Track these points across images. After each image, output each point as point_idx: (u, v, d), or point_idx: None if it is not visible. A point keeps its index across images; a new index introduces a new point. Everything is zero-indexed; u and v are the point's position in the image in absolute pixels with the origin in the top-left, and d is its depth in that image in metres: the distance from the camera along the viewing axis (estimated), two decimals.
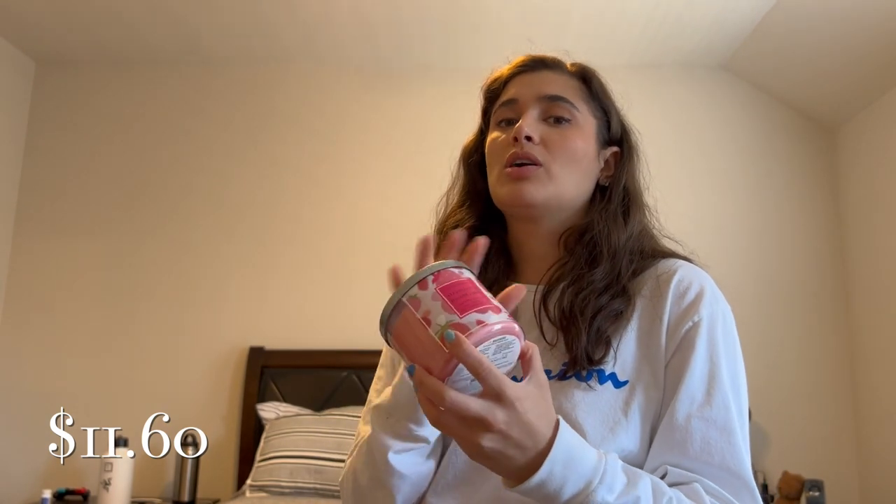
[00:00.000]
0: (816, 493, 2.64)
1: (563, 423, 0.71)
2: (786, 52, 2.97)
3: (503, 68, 1.02)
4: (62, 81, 3.34)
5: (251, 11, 2.89)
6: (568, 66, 1.00)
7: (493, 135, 0.97)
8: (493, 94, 1.01)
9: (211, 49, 3.21)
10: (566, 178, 0.92)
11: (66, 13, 2.92)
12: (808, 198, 3.20)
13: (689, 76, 3.30)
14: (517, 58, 1.01)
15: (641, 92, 3.24)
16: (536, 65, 0.98)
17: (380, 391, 1.00)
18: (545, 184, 0.91)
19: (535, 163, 0.91)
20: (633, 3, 2.80)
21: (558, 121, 0.93)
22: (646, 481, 0.75)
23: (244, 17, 2.94)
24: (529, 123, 0.92)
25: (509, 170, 0.92)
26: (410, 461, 0.85)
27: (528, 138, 0.91)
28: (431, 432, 0.84)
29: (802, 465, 2.90)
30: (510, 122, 0.96)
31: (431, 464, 0.88)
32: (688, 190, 3.18)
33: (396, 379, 0.85)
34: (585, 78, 0.99)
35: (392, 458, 0.84)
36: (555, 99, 0.94)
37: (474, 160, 1.03)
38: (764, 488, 2.81)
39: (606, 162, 0.99)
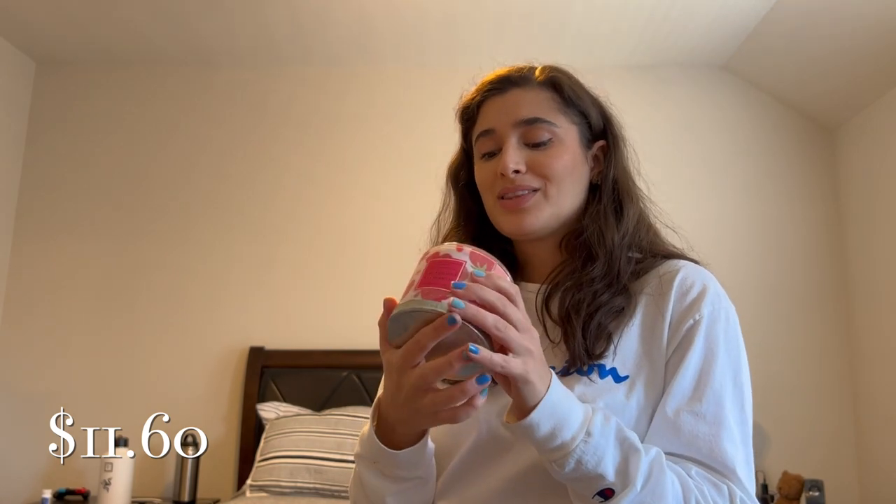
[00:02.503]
0: (816, 493, 2.65)
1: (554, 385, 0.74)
2: (786, 52, 2.97)
3: (472, 91, 1.00)
4: (62, 81, 3.34)
5: (251, 12, 2.89)
6: (536, 73, 0.97)
7: (479, 166, 0.97)
8: (468, 118, 1.00)
9: (210, 49, 3.21)
10: (561, 195, 0.93)
11: (66, 13, 2.92)
12: (808, 197, 3.20)
13: (689, 76, 3.30)
14: (483, 77, 0.99)
15: (641, 92, 3.24)
16: (504, 84, 0.96)
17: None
18: (542, 208, 0.92)
19: (529, 189, 0.91)
20: (633, 3, 2.80)
21: (540, 143, 0.93)
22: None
23: (244, 17, 2.94)
24: (511, 156, 0.91)
25: (504, 201, 0.92)
26: (407, 496, 0.87)
27: (517, 171, 0.91)
28: (423, 469, 0.85)
29: (802, 465, 2.90)
30: (493, 154, 0.95)
31: (431, 486, 0.89)
32: (687, 190, 3.18)
33: (365, 429, 0.85)
34: (556, 85, 0.96)
35: (389, 500, 0.86)
36: (531, 122, 0.92)
37: (462, 181, 1.03)
38: (764, 488, 2.81)
39: (595, 157, 0.99)
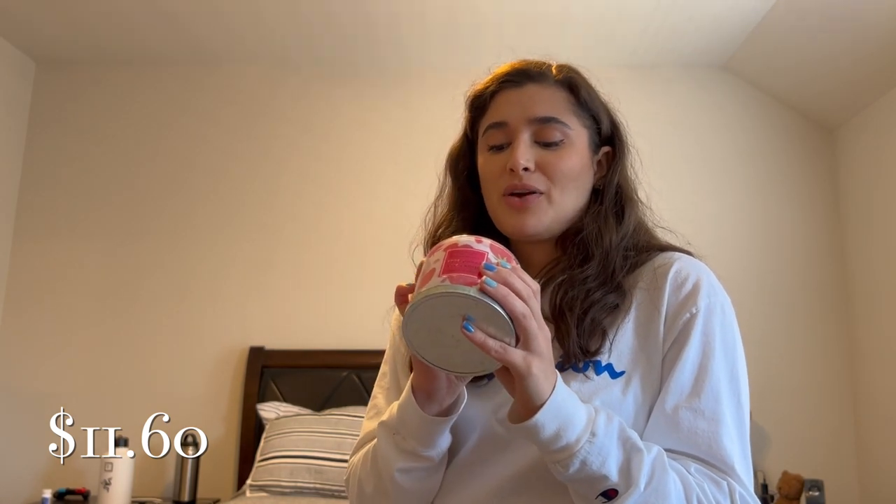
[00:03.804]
0: (816, 493, 2.65)
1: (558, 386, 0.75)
2: (786, 52, 2.97)
3: (486, 80, 0.98)
4: (62, 81, 3.34)
5: (251, 12, 2.89)
6: (553, 71, 0.96)
7: (485, 158, 0.96)
8: (479, 107, 0.98)
9: (210, 49, 3.21)
10: (566, 199, 0.92)
11: (66, 13, 2.92)
12: (808, 198, 3.20)
13: (689, 76, 3.30)
14: (499, 67, 0.97)
15: (641, 92, 3.24)
16: (521, 78, 0.94)
17: (385, 387, 1.01)
18: (546, 210, 0.91)
19: (535, 191, 0.91)
20: (633, 3, 2.80)
21: (551, 144, 0.92)
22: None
23: (243, 17, 2.94)
24: (523, 153, 0.90)
25: (510, 199, 0.91)
26: (415, 477, 0.87)
27: (526, 169, 0.90)
28: (437, 452, 0.85)
29: (802, 465, 2.90)
30: (501, 147, 0.94)
31: (437, 479, 0.89)
32: (687, 190, 3.18)
33: (402, 398, 0.85)
34: (572, 86, 0.95)
35: (397, 475, 0.86)
36: (546, 121, 0.91)
37: (462, 168, 1.02)
38: (764, 488, 2.81)
39: (599, 163, 0.98)
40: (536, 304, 0.72)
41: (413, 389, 0.83)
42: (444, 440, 0.86)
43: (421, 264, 0.77)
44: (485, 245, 0.74)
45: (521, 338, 0.70)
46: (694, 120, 3.27)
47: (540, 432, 0.73)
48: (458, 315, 0.70)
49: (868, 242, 2.99)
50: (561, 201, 0.92)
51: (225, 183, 3.24)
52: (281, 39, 3.13)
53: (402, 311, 0.78)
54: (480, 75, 1.00)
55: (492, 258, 0.72)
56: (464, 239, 0.75)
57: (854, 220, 3.09)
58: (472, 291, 0.68)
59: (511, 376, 0.72)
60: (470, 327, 0.69)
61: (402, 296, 0.78)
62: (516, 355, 0.70)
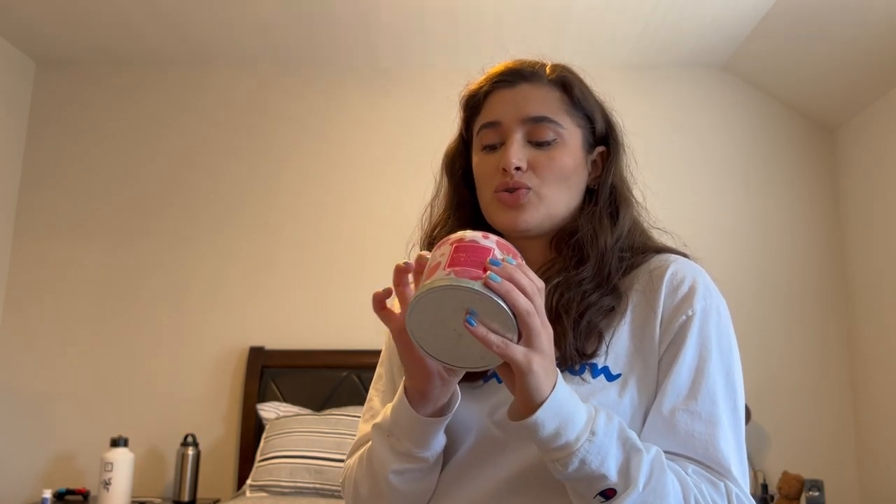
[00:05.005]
0: (816, 493, 2.65)
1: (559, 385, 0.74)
2: (786, 52, 2.97)
3: (480, 80, 0.99)
4: (62, 81, 3.34)
5: (250, 12, 2.89)
6: (547, 71, 0.96)
7: (479, 157, 0.96)
8: (473, 107, 0.99)
9: (210, 49, 3.21)
10: (557, 197, 0.92)
11: (66, 13, 2.92)
12: (808, 198, 3.20)
13: (689, 76, 3.30)
14: (493, 67, 0.98)
15: (641, 92, 3.24)
16: (515, 78, 0.95)
17: (380, 390, 1.00)
18: (537, 207, 0.91)
19: (524, 187, 0.91)
20: (632, 3, 2.80)
21: (544, 143, 0.92)
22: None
23: (243, 17, 2.94)
24: (515, 152, 0.91)
25: (501, 195, 0.92)
26: (410, 479, 0.87)
27: (518, 168, 0.90)
28: (432, 453, 0.85)
29: (802, 465, 2.90)
30: (495, 147, 0.94)
31: (433, 480, 0.89)
32: (687, 190, 3.18)
33: (395, 399, 0.85)
34: (566, 86, 0.95)
35: (392, 477, 0.86)
36: (539, 120, 0.92)
37: (458, 168, 1.02)
38: (764, 488, 2.81)
39: (594, 163, 0.98)
40: (541, 301, 0.72)
41: (406, 390, 0.83)
42: (439, 441, 0.85)
43: (397, 267, 0.77)
44: (491, 241, 0.74)
45: (523, 334, 0.70)
46: (694, 120, 3.27)
47: (539, 430, 0.73)
48: (461, 309, 0.70)
49: (868, 242, 2.99)
50: (552, 199, 0.92)
51: (225, 183, 3.25)
52: (281, 39, 3.13)
53: (380, 317, 0.79)
54: (477, 75, 1.01)
55: (497, 254, 0.73)
56: (470, 234, 0.75)
57: (854, 220, 3.09)
58: (477, 286, 0.69)
59: (512, 373, 0.72)
60: (472, 321, 0.69)
61: (379, 302, 0.78)
62: (518, 351, 0.70)
